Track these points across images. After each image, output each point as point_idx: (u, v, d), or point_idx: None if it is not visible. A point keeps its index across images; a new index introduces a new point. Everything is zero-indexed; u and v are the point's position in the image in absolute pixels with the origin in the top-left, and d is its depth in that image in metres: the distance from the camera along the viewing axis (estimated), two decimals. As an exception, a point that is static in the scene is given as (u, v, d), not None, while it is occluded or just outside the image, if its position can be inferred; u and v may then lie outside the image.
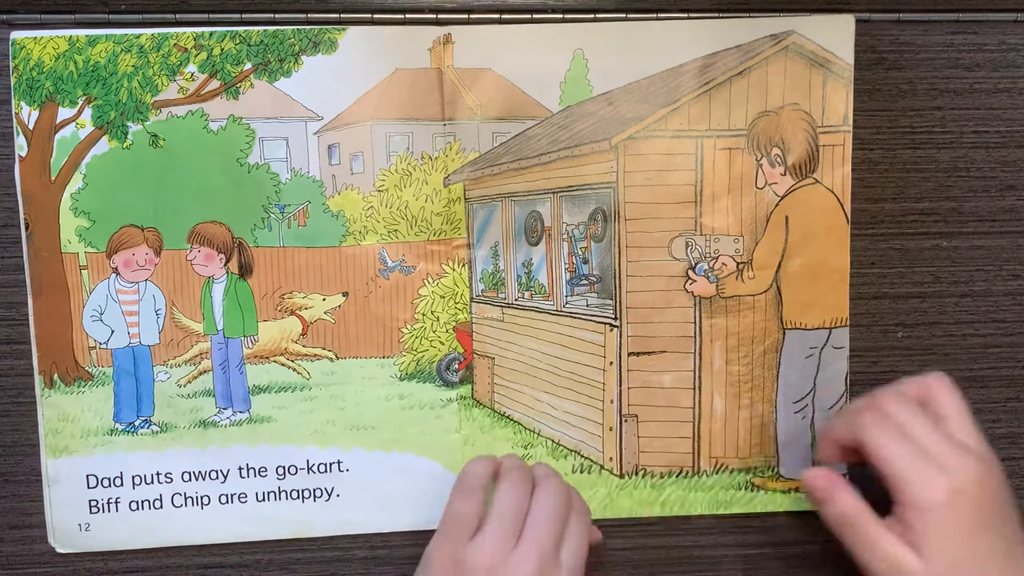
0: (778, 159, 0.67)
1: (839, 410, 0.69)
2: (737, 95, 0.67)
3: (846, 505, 0.61)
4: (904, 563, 0.57)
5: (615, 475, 0.70)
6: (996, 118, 0.69)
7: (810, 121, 0.67)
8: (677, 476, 0.70)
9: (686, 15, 0.66)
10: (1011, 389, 0.72)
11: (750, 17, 0.66)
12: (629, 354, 0.69)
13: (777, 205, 0.68)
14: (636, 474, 0.70)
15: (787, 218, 0.68)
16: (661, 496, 0.70)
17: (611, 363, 0.69)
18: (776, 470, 0.70)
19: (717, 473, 0.70)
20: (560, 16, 0.66)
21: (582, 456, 0.70)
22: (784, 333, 0.69)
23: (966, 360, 0.71)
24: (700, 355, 0.69)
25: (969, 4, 0.68)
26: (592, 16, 0.66)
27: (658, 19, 0.66)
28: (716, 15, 0.66)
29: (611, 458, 0.70)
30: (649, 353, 0.69)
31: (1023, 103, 0.69)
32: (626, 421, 0.69)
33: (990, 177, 0.70)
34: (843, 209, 0.68)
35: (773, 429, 0.70)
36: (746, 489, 0.70)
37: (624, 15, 0.66)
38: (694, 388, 0.69)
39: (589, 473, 0.70)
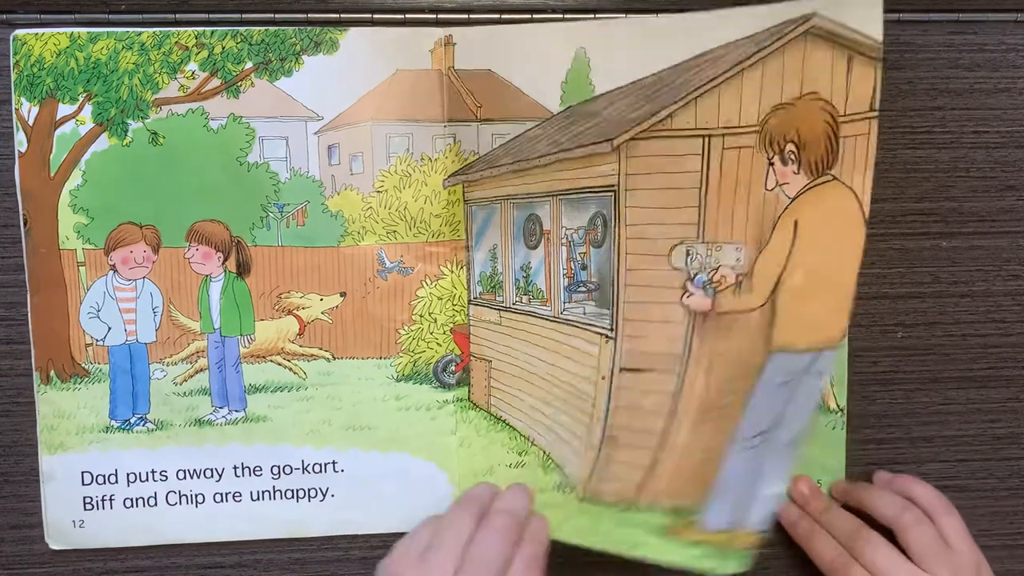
0: (792, 156, 0.62)
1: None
2: (749, 88, 0.62)
3: None
4: None
5: (584, 498, 0.67)
6: (996, 118, 0.69)
7: (831, 111, 0.61)
8: (620, 508, 0.66)
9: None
10: (1011, 389, 0.71)
11: (767, 3, 0.62)
12: (621, 370, 0.66)
13: (787, 208, 0.62)
14: (598, 498, 0.66)
15: (796, 222, 0.62)
16: (600, 526, 0.66)
17: (603, 378, 0.67)
18: (699, 516, 0.64)
19: (649, 511, 0.65)
20: (560, 16, 0.66)
21: (564, 473, 0.68)
22: (768, 357, 0.63)
23: (966, 360, 0.71)
24: (684, 379, 0.65)
25: (969, 4, 0.68)
26: (593, 15, 0.66)
27: (658, 18, 0.65)
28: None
29: (584, 477, 0.67)
30: (640, 371, 0.66)
31: (1023, 103, 0.69)
32: (607, 441, 0.67)
33: (990, 177, 0.70)
34: (862, 210, 0.61)
35: (717, 469, 0.64)
36: (659, 535, 0.64)
37: (625, 13, 0.66)
38: (671, 412, 0.65)
39: (563, 492, 0.68)
